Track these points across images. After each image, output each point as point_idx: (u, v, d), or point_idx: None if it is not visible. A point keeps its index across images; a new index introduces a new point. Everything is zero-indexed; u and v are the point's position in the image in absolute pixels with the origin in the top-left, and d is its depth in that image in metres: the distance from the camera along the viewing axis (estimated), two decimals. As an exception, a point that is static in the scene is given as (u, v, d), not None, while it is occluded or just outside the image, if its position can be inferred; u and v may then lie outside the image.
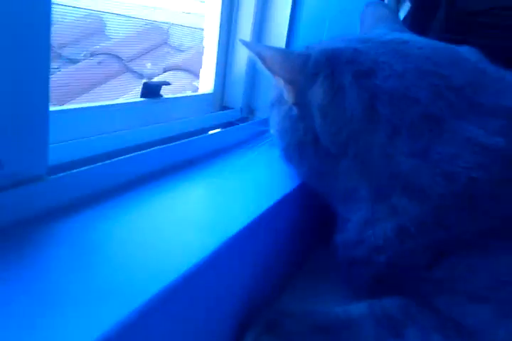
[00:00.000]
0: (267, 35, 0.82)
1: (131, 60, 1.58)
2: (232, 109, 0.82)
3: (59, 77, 1.45)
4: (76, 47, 1.62)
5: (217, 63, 0.79)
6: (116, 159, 0.52)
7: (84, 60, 1.52)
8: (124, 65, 1.55)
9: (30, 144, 0.40)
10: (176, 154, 0.62)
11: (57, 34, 1.66)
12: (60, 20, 1.79)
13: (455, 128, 0.49)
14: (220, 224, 0.47)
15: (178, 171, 0.60)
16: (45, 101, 0.40)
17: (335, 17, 0.78)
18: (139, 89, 1.58)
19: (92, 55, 1.53)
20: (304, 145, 0.58)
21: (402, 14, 0.74)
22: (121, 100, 0.61)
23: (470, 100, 0.50)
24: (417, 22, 0.74)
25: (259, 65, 0.56)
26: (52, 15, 0.42)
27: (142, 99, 0.65)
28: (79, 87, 1.40)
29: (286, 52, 0.59)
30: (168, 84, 0.68)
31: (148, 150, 0.57)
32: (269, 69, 0.56)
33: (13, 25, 0.35)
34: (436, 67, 0.52)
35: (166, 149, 0.60)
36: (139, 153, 0.56)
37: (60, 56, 1.59)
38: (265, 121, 0.71)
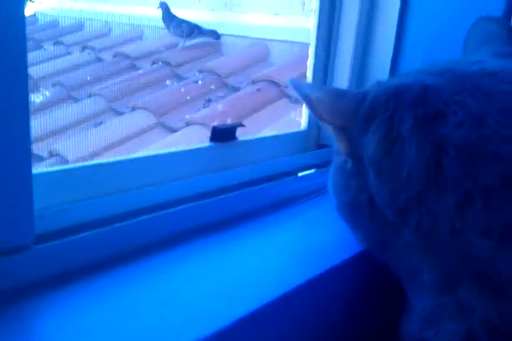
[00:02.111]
0: (368, 69, 0.71)
1: (287, 86, 1.60)
2: (330, 147, 0.74)
3: (223, 104, 1.56)
4: (241, 75, 1.72)
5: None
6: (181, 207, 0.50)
7: (245, 87, 1.60)
8: (281, 91, 1.58)
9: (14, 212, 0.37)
10: (249, 201, 0.58)
11: (226, 64, 1.79)
12: (229, 50, 1.92)
13: None
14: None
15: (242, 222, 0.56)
16: (28, 165, 0.40)
17: (446, 38, 0.63)
18: (294, 113, 1.60)
19: (253, 82, 1.60)
20: (359, 207, 0.46)
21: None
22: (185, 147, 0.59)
23: None
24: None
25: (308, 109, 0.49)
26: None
27: (210, 143, 0.60)
28: (238, 114, 1.48)
29: (339, 92, 0.48)
30: (242, 125, 0.63)
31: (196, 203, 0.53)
32: (315, 113, 0.47)
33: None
34: None
35: (232, 197, 0.57)
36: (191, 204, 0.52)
37: (226, 85, 1.70)
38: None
